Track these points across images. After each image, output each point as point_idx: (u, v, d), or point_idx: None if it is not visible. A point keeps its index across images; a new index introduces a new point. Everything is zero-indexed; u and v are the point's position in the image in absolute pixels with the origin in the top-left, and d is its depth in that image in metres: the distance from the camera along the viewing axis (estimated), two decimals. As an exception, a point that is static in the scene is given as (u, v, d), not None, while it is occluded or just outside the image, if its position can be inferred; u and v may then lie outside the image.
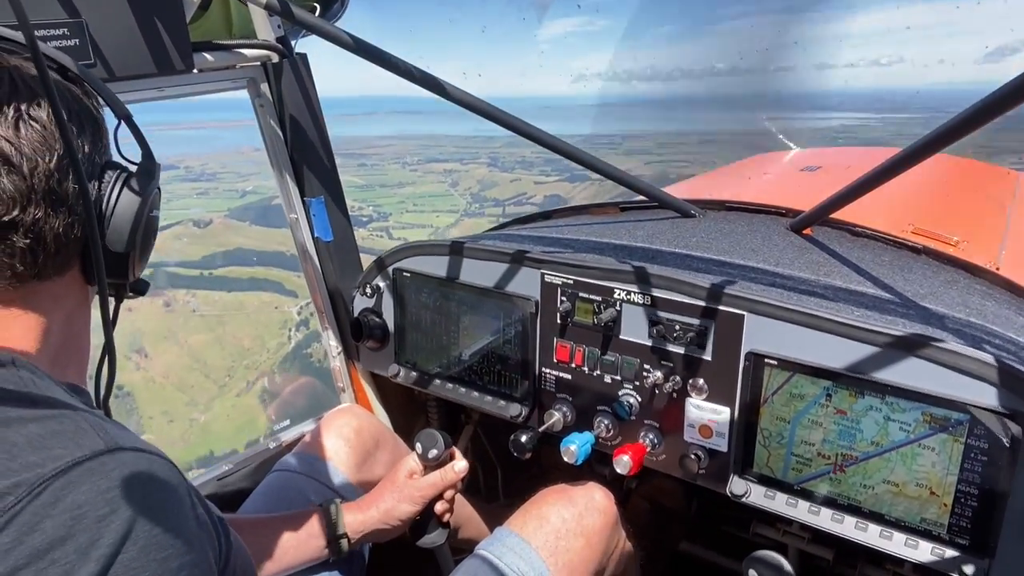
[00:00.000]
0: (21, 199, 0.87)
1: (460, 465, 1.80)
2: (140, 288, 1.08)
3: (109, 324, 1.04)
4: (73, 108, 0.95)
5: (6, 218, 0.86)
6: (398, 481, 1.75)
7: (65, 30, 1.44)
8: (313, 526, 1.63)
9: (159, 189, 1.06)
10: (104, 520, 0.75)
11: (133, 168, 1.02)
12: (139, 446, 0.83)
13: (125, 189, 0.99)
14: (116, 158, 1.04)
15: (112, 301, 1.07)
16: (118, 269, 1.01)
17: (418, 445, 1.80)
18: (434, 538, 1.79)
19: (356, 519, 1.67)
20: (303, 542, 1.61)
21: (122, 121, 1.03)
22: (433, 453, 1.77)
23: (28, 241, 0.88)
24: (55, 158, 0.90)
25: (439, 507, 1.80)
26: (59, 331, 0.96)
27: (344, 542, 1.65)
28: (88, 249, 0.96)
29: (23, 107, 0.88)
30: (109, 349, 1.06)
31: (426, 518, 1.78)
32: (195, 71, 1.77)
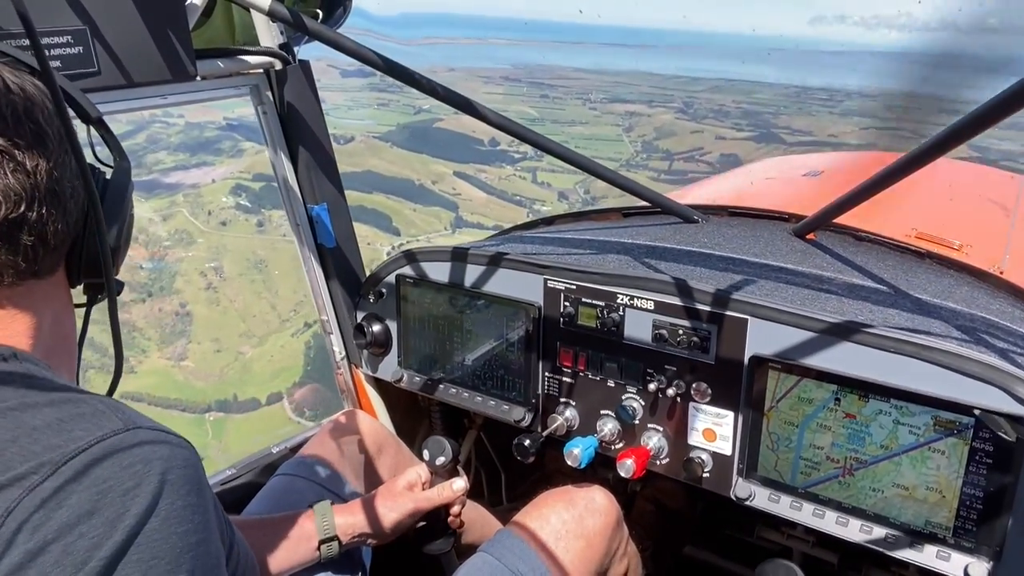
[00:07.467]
0: (27, 196, 0.89)
1: (459, 484, 1.80)
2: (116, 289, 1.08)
3: (116, 318, 1.04)
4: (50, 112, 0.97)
5: (13, 215, 0.88)
6: (395, 490, 1.75)
7: (68, 38, 1.44)
8: (304, 527, 1.62)
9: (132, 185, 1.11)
10: (129, 493, 0.77)
11: (106, 170, 1.07)
12: (156, 427, 0.86)
13: (108, 190, 1.04)
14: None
15: (86, 305, 1.08)
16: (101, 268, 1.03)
17: (425, 452, 1.80)
18: (440, 545, 1.79)
19: (347, 521, 1.66)
20: (294, 543, 1.60)
21: (91, 125, 1.06)
22: (440, 460, 1.77)
23: (32, 239, 0.90)
24: (53, 158, 0.92)
25: (449, 519, 1.79)
26: (50, 331, 0.98)
27: (335, 544, 1.64)
28: (72, 250, 0.99)
29: (20, 109, 0.90)
30: (116, 344, 1.07)
31: (433, 525, 1.78)
32: (198, 78, 1.78)
